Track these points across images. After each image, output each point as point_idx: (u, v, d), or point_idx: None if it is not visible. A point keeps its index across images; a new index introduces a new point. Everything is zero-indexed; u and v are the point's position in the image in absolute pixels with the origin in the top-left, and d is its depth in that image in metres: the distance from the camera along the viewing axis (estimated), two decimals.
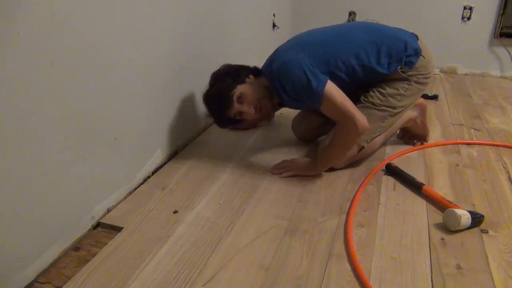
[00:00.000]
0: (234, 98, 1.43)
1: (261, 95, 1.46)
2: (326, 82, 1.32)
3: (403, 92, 1.48)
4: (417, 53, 1.47)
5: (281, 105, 1.57)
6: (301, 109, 1.71)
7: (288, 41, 1.52)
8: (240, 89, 1.44)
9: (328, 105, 1.32)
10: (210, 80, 1.51)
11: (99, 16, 1.09)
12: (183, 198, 1.32)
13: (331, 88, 1.32)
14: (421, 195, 1.34)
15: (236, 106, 1.44)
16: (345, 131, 1.37)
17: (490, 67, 2.89)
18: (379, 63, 1.43)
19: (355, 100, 1.49)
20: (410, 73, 1.47)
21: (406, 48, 1.45)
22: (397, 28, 1.54)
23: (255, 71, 1.52)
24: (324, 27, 1.54)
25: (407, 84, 1.48)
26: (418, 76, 1.48)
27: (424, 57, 1.49)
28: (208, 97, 1.49)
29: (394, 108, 1.48)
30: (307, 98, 1.35)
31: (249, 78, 1.48)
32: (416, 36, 1.52)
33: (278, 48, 1.51)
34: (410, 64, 1.46)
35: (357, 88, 1.53)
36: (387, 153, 1.64)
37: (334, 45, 1.44)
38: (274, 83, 1.43)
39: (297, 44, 1.46)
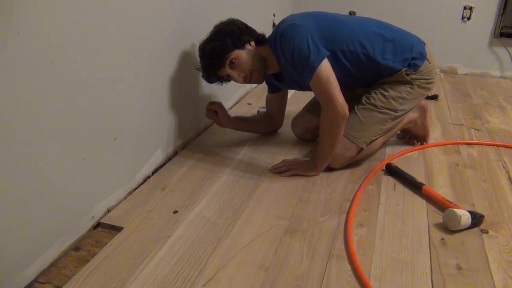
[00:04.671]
0: (227, 61, 1.40)
1: (255, 66, 1.44)
2: (324, 57, 1.33)
3: (406, 95, 1.48)
4: (422, 56, 1.48)
5: (281, 80, 1.56)
6: (299, 90, 1.66)
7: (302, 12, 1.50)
8: (236, 54, 1.40)
9: (316, 81, 1.33)
10: (211, 32, 1.46)
11: (99, 16, 1.09)
12: (183, 198, 1.32)
13: (325, 66, 1.33)
14: (421, 195, 1.34)
15: (227, 70, 1.42)
16: (326, 118, 1.37)
17: (490, 67, 2.88)
18: (383, 57, 1.43)
19: (357, 100, 1.50)
20: (413, 76, 1.47)
21: (412, 50, 1.46)
22: (407, 31, 1.54)
23: (258, 39, 1.48)
24: (338, 14, 1.53)
25: (409, 87, 1.48)
26: (421, 80, 1.49)
27: (429, 62, 1.49)
28: (203, 52, 1.45)
29: (396, 111, 1.48)
30: (300, 67, 1.35)
31: (249, 44, 1.44)
32: (424, 43, 1.53)
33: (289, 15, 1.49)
34: (415, 67, 1.46)
35: (359, 85, 1.53)
36: (387, 153, 1.64)
37: (345, 25, 1.45)
38: (276, 44, 1.41)
39: (310, 14, 1.46)
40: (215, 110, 1.64)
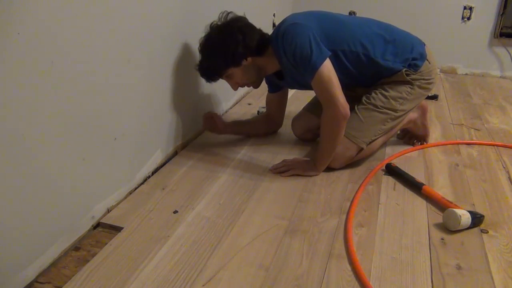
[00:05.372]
0: (223, 76, 1.47)
1: (250, 80, 1.49)
2: (326, 57, 1.33)
3: (406, 95, 1.48)
4: (423, 57, 1.48)
5: (282, 79, 1.57)
6: (300, 89, 1.68)
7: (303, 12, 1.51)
8: (231, 71, 1.44)
9: (318, 81, 1.34)
10: (211, 33, 1.44)
11: (99, 16, 1.09)
12: (183, 198, 1.32)
13: (327, 66, 1.33)
14: (421, 195, 1.34)
15: (224, 79, 1.49)
16: (327, 117, 1.38)
17: (490, 67, 2.89)
18: (384, 58, 1.43)
19: (357, 100, 1.50)
20: (414, 76, 1.47)
21: (412, 50, 1.46)
22: (407, 32, 1.54)
23: (259, 46, 1.43)
24: (339, 14, 1.53)
25: (410, 88, 1.48)
26: (421, 80, 1.49)
27: (430, 63, 1.50)
28: (200, 65, 1.48)
29: (396, 111, 1.48)
30: (302, 67, 1.36)
31: (246, 60, 1.43)
32: (424, 43, 1.54)
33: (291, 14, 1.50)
34: (415, 67, 1.47)
35: (359, 85, 1.53)
36: (387, 153, 1.64)
37: (346, 26, 1.45)
38: (277, 43, 1.41)
39: (311, 13, 1.47)
40: (212, 116, 1.66)
